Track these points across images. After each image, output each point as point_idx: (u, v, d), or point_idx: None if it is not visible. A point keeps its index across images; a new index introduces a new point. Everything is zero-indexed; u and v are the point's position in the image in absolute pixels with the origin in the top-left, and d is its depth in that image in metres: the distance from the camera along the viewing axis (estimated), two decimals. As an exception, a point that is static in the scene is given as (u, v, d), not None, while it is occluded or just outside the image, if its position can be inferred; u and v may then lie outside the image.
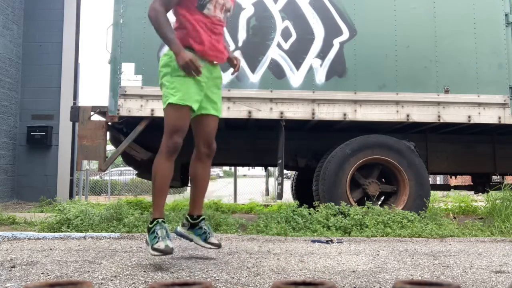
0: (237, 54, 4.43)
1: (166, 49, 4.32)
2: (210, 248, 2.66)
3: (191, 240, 2.71)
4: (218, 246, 2.65)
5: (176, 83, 2.44)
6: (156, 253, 2.32)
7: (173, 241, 2.48)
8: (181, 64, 2.34)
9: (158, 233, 2.37)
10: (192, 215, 2.71)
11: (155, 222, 2.42)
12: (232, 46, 4.45)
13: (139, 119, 4.41)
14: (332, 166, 4.43)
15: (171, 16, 2.51)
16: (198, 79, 2.44)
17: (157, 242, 2.33)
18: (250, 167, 6.30)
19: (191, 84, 2.44)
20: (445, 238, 3.72)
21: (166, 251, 2.30)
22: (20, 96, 8.32)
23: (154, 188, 2.48)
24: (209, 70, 2.59)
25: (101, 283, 2.08)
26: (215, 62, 2.64)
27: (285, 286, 0.63)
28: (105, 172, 13.10)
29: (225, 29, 4.42)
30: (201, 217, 2.71)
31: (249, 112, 4.41)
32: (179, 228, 2.78)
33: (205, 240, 2.64)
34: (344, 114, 4.48)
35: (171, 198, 8.69)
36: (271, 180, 12.53)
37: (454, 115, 4.56)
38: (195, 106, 2.49)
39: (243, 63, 4.44)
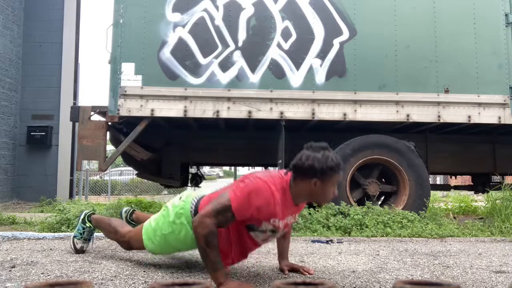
0: (237, 54, 4.44)
1: (166, 55, 4.34)
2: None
3: None
4: None
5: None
6: None
7: None
8: None
9: None
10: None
11: None
12: (232, 46, 4.45)
13: (139, 119, 4.41)
14: (332, 166, 4.42)
15: None
16: None
17: None
18: (250, 167, 6.29)
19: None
20: (445, 238, 3.72)
21: None
22: (20, 96, 8.32)
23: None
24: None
25: (101, 283, 2.08)
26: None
27: (285, 286, 0.63)
28: (105, 172, 13.10)
29: (225, 29, 4.46)
30: None
31: (249, 112, 4.41)
32: None
33: None
34: (344, 114, 4.47)
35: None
36: (271, 180, 12.50)
37: (454, 115, 4.56)
38: None
39: (243, 63, 4.44)
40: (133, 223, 3.04)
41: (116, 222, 2.73)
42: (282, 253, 2.44)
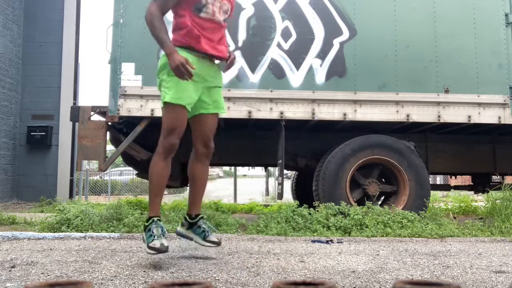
0: (237, 54, 4.43)
1: (166, 49, 4.34)
2: (210, 246, 2.68)
3: (191, 239, 2.72)
4: (218, 244, 2.67)
5: (171, 82, 2.47)
6: (151, 251, 2.33)
7: (169, 240, 2.48)
8: (172, 67, 2.36)
9: (154, 231, 2.39)
10: (191, 215, 2.72)
11: (150, 221, 2.45)
12: (232, 46, 4.45)
13: (139, 119, 4.41)
14: (332, 166, 4.43)
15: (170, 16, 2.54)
16: (194, 78, 2.45)
17: (152, 240, 2.34)
18: (250, 167, 6.29)
19: (186, 83, 2.46)
20: (445, 238, 3.72)
21: (161, 250, 2.31)
22: (20, 96, 8.32)
23: (151, 187, 2.51)
24: (208, 68, 2.60)
25: (101, 283, 2.08)
26: (216, 61, 2.65)
27: (285, 286, 0.63)
28: (105, 172, 13.10)
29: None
30: (200, 216, 2.72)
31: (249, 112, 4.41)
32: (179, 228, 2.79)
33: (204, 238, 2.65)
34: (344, 114, 4.48)
35: (171, 198, 8.69)
36: (271, 180, 12.54)
37: (454, 115, 4.56)
38: (188, 106, 2.50)
39: (243, 63, 4.44)
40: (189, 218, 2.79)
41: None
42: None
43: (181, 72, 2.35)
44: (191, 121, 2.68)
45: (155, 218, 2.45)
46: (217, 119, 2.76)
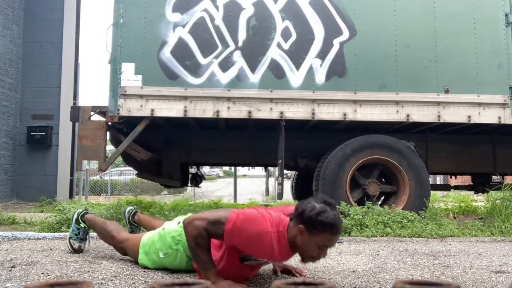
0: (237, 54, 4.44)
1: (166, 55, 4.34)
2: None
3: None
4: None
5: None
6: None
7: None
8: None
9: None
10: None
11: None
12: (232, 46, 4.45)
13: (139, 119, 4.41)
14: (332, 166, 4.43)
15: None
16: None
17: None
18: (250, 167, 6.29)
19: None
20: (445, 238, 3.72)
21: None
22: (20, 96, 8.32)
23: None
24: None
25: (101, 283, 2.08)
26: None
27: (285, 286, 0.63)
28: (105, 172, 13.09)
29: (225, 29, 4.46)
30: None
31: (249, 112, 4.40)
32: None
33: None
34: (344, 114, 4.47)
35: (171, 198, 8.69)
36: (271, 180, 12.54)
37: (454, 115, 4.56)
38: None
39: (243, 63, 4.44)
40: (135, 224, 3.05)
41: (111, 226, 2.70)
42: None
43: None
44: None
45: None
46: None
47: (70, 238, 2.86)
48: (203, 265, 1.93)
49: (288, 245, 1.89)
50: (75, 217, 2.86)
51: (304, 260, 1.94)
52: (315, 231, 1.79)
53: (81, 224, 2.83)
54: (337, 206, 4.07)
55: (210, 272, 1.90)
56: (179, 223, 2.33)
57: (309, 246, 1.83)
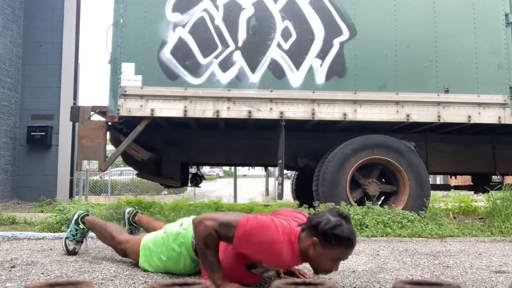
0: (237, 54, 4.44)
1: (166, 55, 4.34)
2: None
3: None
4: None
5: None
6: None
7: None
8: None
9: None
10: None
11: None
12: (232, 46, 4.45)
13: (139, 119, 4.41)
14: (332, 166, 4.43)
15: None
16: None
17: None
18: (250, 167, 6.29)
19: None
20: (445, 238, 3.72)
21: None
22: (20, 96, 8.32)
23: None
24: None
25: (101, 283, 2.08)
26: None
27: (285, 286, 0.63)
28: (105, 172, 13.09)
29: (225, 29, 4.46)
30: None
31: (249, 112, 4.40)
32: None
33: None
34: (344, 114, 4.47)
35: (171, 198, 8.69)
36: (271, 180, 12.54)
37: (454, 115, 4.56)
38: None
39: (243, 63, 4.44)
40: (135, 225, 3.04)
41: (112, 227, 2.69)
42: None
43: None
44: None
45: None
46: None
47: (66, 238, 2.84)
48: (210, 267, 1.89)
49: (299, 255, 1.86)
50: (75, 217, 2.84)
51: (317, 272, 1.92)
52: (330, 244, 1.77)
53: (80, 225, 2.81)
54: (337, 206, 4.12)
55: (217, 275, 1.87)
56: (181, 224, 2.31)
57: (322, 259, 1.81)
